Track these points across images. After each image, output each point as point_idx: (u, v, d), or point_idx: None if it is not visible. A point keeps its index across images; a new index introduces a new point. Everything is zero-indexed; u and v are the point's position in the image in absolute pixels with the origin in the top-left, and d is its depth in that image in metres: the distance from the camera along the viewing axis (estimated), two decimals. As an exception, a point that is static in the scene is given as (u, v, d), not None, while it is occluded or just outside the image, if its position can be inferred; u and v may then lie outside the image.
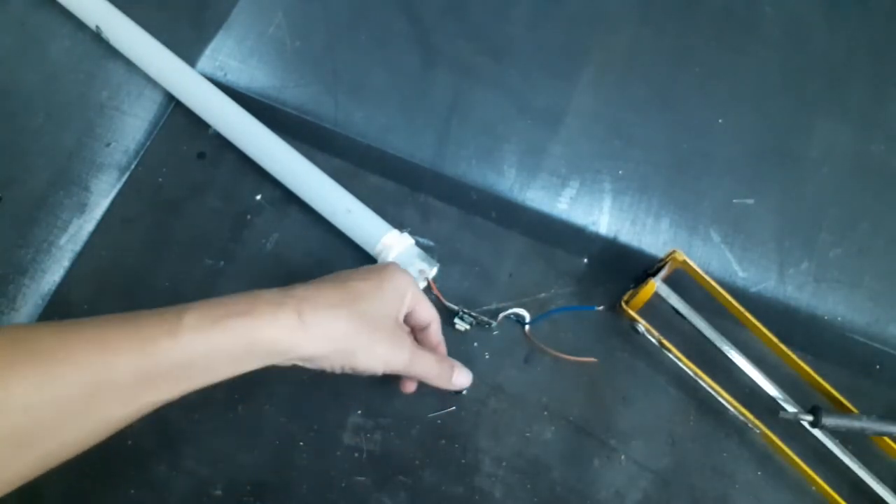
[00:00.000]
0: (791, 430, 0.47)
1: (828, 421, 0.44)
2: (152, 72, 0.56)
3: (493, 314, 0.49)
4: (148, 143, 0.55)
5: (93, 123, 0.56)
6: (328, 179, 0.52)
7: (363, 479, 0.47)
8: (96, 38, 0.58)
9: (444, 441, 0.48)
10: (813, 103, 0.57)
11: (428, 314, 0.44)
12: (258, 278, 0.51)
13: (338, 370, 0.39)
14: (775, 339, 0.47)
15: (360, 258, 0.51)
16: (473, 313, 0.49)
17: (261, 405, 0.48)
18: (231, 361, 0.36)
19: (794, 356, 0.47)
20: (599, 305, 0.50)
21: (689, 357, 0.47)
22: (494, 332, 0.50)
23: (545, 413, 0.48)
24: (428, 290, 0.50)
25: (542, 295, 0.51)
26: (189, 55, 0.57)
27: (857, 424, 0.44)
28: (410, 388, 0.47)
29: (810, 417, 0.45)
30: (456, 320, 0.49)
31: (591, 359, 0.49)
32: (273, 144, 0.53)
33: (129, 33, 0.56)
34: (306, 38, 0.59)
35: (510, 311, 0.49)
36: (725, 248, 0.53)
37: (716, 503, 0.47)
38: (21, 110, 0.56)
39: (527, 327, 0.49)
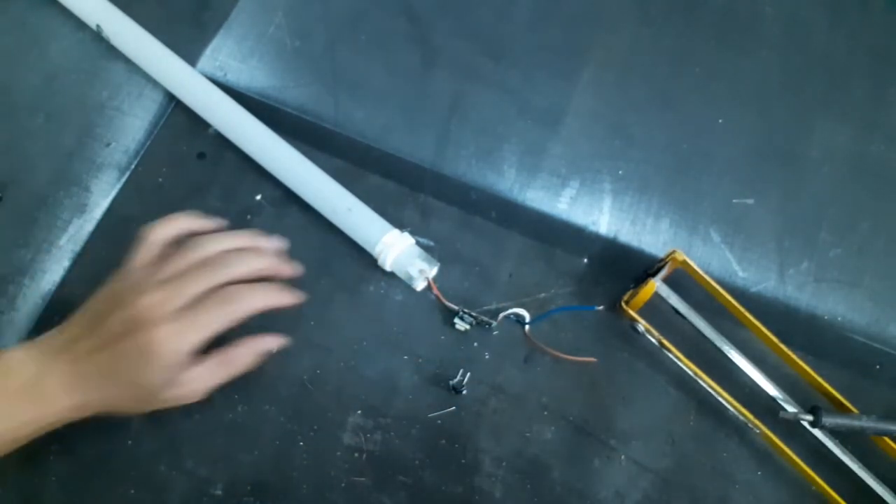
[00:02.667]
0: (791, 430, 0.47)
1: (828, 421, 0.44)
2: (152, 71, 0.56)
3: (493, 314, 0.49)
4: (148, 143, 0.55)
5: (93, 123, 0.56)
6: (328, 179, 0.52)
7: (363, 479, 0.47)
8: (96, 38, 0.58)
9: (444, 441, 0.48)
10: (813, 103, 0.57)
11: None
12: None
13: None
14: (775, 339, 0.47)
15: (360, 258, 0.51)
16: (473, 313, 0.49)
17: (261, 405, 0.48)
18: None
19: (794, 356, 0.47)
20: (599, 305, 0.50)
21: (689, 357, 0.47)
22: (494, 332, 0.50)
23: (545, 413, 0.48)
24: (428, 290, 0.50)
25: (542, 295, 0.51)
26: (189, 55, 0.57)
27: (857, 424, 0.44)
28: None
29: (810, 417, 0.45)
30: (456, 320, 0.49)
31: (591, 359, 0.49)
32: (273, 144, 0.53)
33: (129, 32, 0.56)
34: (306, 38, 0.59)
35: (510, 311, 0.49)
36: (725, 248, 0.53)
37: (716, 503, 0.47)
38: (21, 110, 0.56)
39: (527, 327, 0.49)
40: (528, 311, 0.50)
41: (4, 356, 0.41)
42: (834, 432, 0.47)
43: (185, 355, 0.40)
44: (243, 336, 0.44)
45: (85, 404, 0.41)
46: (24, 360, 0.40)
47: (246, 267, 0.42)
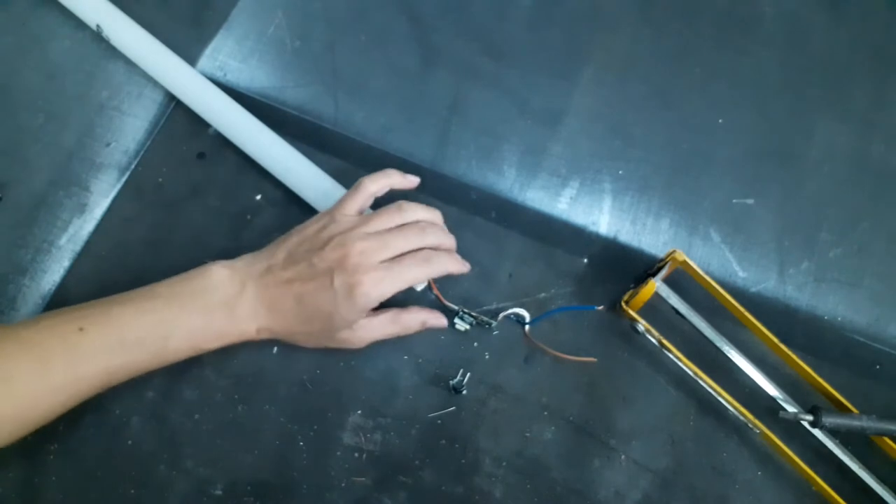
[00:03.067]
0: (791, 430, 0.47)
1: (828, 421, 0.44)
2: (152, 70, 0.56)
3: (493, 314, 0.49)
4: (148, 143, 0.55)
5: (93, 123, 0.56)
6: (329, 179, 0.52)
7: (363, 479, 0.47)
8: (96, 38, 0.58)
9: (444, 441, 0.48)
10: (813, 103, 0.57)
11: None
12: (258, 278, 0.51)
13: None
14: (775, 339, 0.47)
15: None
16: (473, 313, 0.49)
17: (261, 405, 0.48)
18: None
19: (794, 356, 0.47)
20: (599, 305, 0.50)
21: (689, 357, 0.47)
22: (494, 332, 0.50)
23: (545, 413, 0.48)
24: (428, 290, 0.50)
25: (542, 295, 0.51)
26: (189, 55, 0.57)
27: (856, 424, 0.44)
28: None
29: (810, 417, 0.45)
30: (456, 320, 0.49)
31: (591, 359, 0.49)
32: (273, 143, 0.53)
33: (129, 32, 0.56)
34: (306, 38, 0.59)
35: (510, 311, 0.49)
36: (725, 248, 0.53)
37: (716, 503, 0.47)
38: (21, 110, 0.56)
39: (526, 327, 0.49)
40: (528, 311, 0.50)
41: (210, 272, 0.45)
42: (834, 432, 0.47)
43: (377, 302, 0.43)
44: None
45: (268, 328, 0.45)
46: (227, 278, 0.45)
47: (438, 239, 0.47)
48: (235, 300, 0.44)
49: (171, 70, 0.55)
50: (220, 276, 0.45)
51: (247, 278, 0.45)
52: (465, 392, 0.48)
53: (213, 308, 0.44)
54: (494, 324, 0.49)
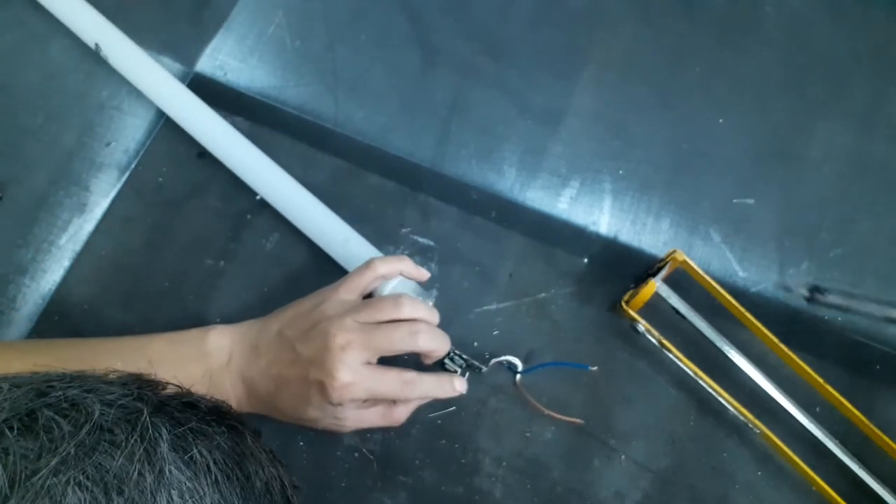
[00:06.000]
0: (791, 430, 0.47)
1: (823, 299, 0.44)
2: (151, 94, 0.55)
3: (486, 359, 0.48)
4: (148, 143, 0.55)
5: (93, 123, 0.56)
6: (324, 208, 0.51)
7: (363, 479, 0.47)
8: (96, 37, 0.58)
9: (444, 441, 0.48)
10: (813, 103, 0.57)
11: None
12: (258, 278, 0.51)
13: None
14: (775, 339, 0.47)
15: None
16: (465, 356, 0.47)
17: (261, 405, 0.48)
18: None
19: (794, 356, 0.47)
20: (593, 366, 0.49)
21: (689, 357, 0.47)
22: (479, 378, 0.48)
23: (545, 413, 0.48)
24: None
25: (543, 295, 0.51)
26: (189, 54, 0.57)
27: (855, 305, 0.44)
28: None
29: (806, 293, 0.44)
30: (446, 361, 0.47)
31: (578, 420, 0.48)
32: (267, 170, 0.52)
33: (126, 53, 0.55)
34: (306, 38, 0.59)
35: (503, 357, 0.48)
36: (725, 247, 0.53)
37: (716, 503, 0.47)
38: (21, 110, 0.56)
39: (518, 377, 0.48)
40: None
41: (206, 338, 0.45)
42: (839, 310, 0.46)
43: (351, 404, 0.42)
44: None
45: (248, 405, 0.44)
46: (218, 348, 0.44)
47: (428, 346, 0.44)
48: (219, 373, 0.43)
49: (165, 90, 0.54)
50: (213, 344, 0.44)
51: (235, 351, 0.44)
52: (485, 370, 0.47)
53: (195, 378, 0.43)
54: (485, 369, 0.47)
